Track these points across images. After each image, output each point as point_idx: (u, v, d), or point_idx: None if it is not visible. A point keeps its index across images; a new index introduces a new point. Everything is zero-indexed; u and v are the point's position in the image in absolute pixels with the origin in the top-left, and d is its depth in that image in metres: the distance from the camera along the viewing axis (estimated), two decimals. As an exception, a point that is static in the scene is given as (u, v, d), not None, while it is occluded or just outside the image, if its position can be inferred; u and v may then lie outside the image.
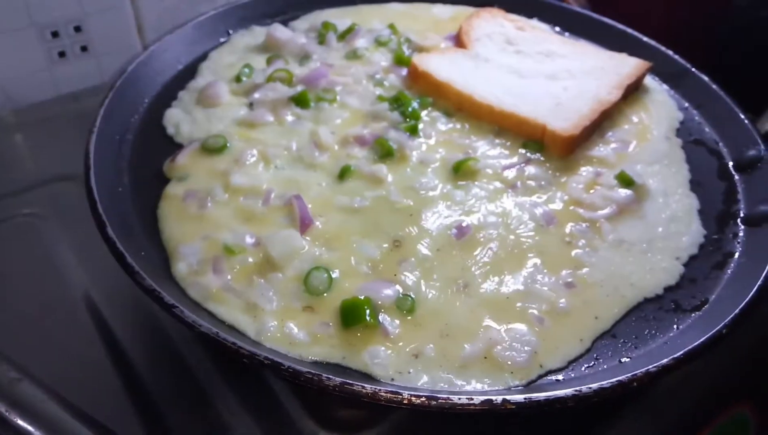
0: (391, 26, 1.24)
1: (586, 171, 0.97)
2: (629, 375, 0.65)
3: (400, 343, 0.72)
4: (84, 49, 1.29)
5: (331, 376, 0.63)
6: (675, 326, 0.77)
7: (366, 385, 0.63)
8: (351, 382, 0.63)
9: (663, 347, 0.74)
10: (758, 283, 0.77)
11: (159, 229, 0.85)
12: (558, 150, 0.99)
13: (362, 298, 0.74)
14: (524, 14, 1.32)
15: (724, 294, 0.80)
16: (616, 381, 0.65)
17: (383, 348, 0.71)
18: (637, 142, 1.04)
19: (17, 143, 1.22)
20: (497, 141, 1.01)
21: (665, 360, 0.67)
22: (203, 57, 1.16)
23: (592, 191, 0.93)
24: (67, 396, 0.68)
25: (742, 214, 0.92)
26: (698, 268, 0.85)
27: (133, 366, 0.84)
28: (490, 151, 0.99)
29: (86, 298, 0.92)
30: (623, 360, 0.73)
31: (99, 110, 0.94)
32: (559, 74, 1.13)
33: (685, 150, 1.03)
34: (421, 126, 1.01)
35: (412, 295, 0.76)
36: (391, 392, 0.63)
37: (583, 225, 0.88)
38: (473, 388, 0.69)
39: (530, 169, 0.96)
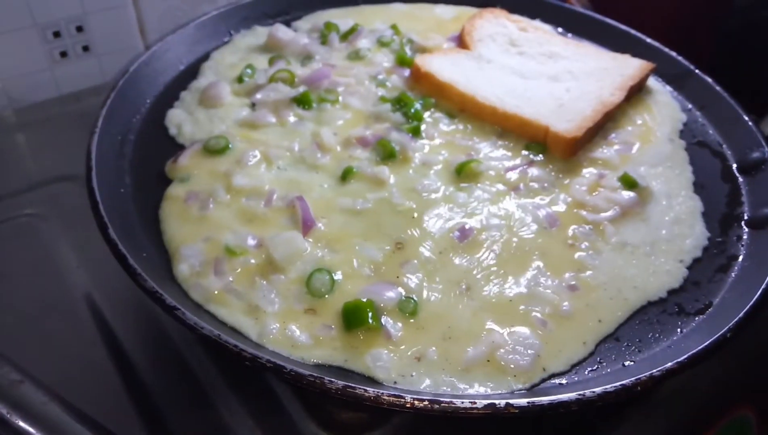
0: (394, 27, 1.24)
1: (589, 173, 0.97)
2: (633, 379, 0.65)
3: (403, 346, 0.72)
4: (86, 49, 1.29)
5: (333, 380, 0.63)
6: (679, 330, 0.77)
7: (369, 389, 0.63)
8: (354, 385, 0.63)
9: (667, 351, 0.74)
10: (762, 286, 0.77)
11: (161, 230, 0.85)
12: (561, 152, 0.98)
13: (365, 300, 0.74)
14: (527, 15, 1.32)
15: (728, 297, 0.80)
16: (620, 385, 0.65)
17: (386, 351, 0.71)
18: (641, 143, 1.04)
19: (19, 143, 1.22)
20: (500, 142, 1.01)
21: (669, 364, 0.67)
22: (205, 57, 1.16)
23: (595, 193, 0.93)
24: (68, 397, 0.68)
25: (746, 217, 0.92)
26: (702, 271, 0.85)
27: (134, 367, 0.84)
28: (492, 153, 0.99)
29: (87, 299, 0.92)
30: (627, 363, 0.73)
31: (101, 110, 0.94)
32: (562, 75, 1.12)
33: (689, 152, 1.03)
34: (423, 127, 1.01)
35: (415, 298, 0.76)
36: (394, 396, 0.63)
37: (586, 227, 0.88)
38: (476, 392, 0.69)
39: (533, 171, 0.95)
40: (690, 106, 1.13)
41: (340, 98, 1.05)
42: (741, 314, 0.73)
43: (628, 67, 1.14)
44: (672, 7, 1.46)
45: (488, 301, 0.77)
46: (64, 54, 1.27)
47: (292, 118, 1.02)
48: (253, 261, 0.80)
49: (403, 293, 0.77)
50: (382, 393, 0.63)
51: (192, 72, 1.13)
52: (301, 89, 1.05)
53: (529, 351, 0.72)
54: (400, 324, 0.74)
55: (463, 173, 0.93)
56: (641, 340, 0.76)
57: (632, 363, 0.73)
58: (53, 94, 1.29)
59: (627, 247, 0.86)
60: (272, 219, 0.85)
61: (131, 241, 0.78)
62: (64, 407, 0.67)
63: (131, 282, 0.72)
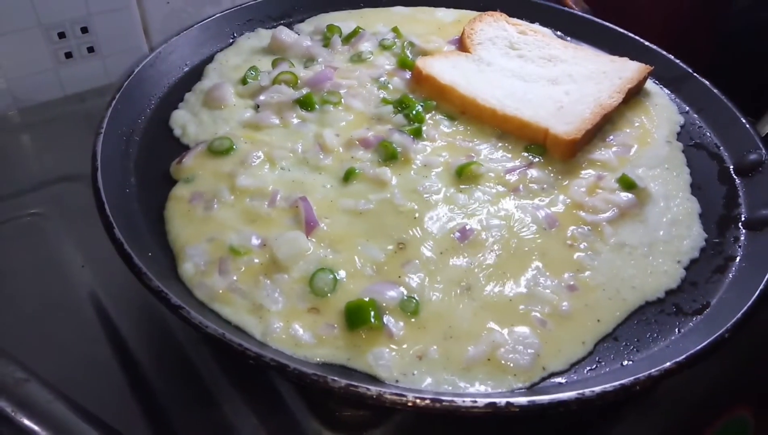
0: (395, 29, 1.25)
1: (587, 174, 0.98)
2: (632, 379, 0.66)
3: (405, 345, 0.73)
4: (90, 50, 1.30)
5: (336, 378, 0.64)
6: (677, 329, 0.78)
7: (371, 387, 0.64)
8: (356, 384, 0.63)
9: (665, 351, 0.74)
10: (760, 287, 0.78)
11: (165, 229, 0.85)
12: (560, 153, 0.99)
13: (367, 299, 0.75)
14: (526, 18, 1.33)
15: (726, 298, 0.81)
16: (619, 385, 0.65)
17: (387, 350, 0.72)
18: (639, 145, 1.05)
19: (23, 143, 1.23)
20: (500, 144, 1.02)
21: (668, 364, 0.68)
22: (209, 59, 1.17)
23: (593, 194, 0.94)
24: (73, 396, 0.69)
25: (743, 218, 0.93)
26: (699, 271, 0.86)
27: (138, 366, 0.84)
28: (492, 155, 1.00)
29: (92, 298, 0.92)
30: (625, 363, 0.74)
31: (106, 111, 0.95)
32: (561, 78, 1.13)
33: (686, 154, 1.04)
34: (424, 129, 1.02)
35: (416, 297, 0.77)
36: (396, 395, 0.63)
37: (585, 228, 0.89)
38: (477, 390, 0.70)
39: (532, 173, 0.96)
40: (687, 108, 1.14)
41: (343, 100, 1.06)
42: (738, 315, 0.74)
43: (626, 69, 1.15)
44: (670, 10, 1.47)
45: (488, 300, 0.78)
46: (69, 55, 1.28)
47: (295, 120, 1.02)
48: (257, 260, 0.80)
49: (405, 293, 0.78)
50: (385, 392, 0.63)
51: (196, 73, 1.14)
52: (304, 91, 1.06)
53: (528, 350, 0.73)
54: (401, 323, 0.75)
55: (464, 175, 0.94)
56: (639, 340, 0.77)
57: (631, 363, 0.74)
58: (58, 94, 1.30)
59: (625, 247, 0.87)
60: (276, 219, 0.86)
61: (136, 240, 0.79)
62: (70, 406, 0.68)
63: (136, 281, 0.72)
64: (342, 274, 0.79)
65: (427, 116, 1.05)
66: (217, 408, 0.80)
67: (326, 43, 1.21)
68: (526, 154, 1.00)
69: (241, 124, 1.02)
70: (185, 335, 0.87)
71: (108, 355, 0.86)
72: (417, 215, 0.88)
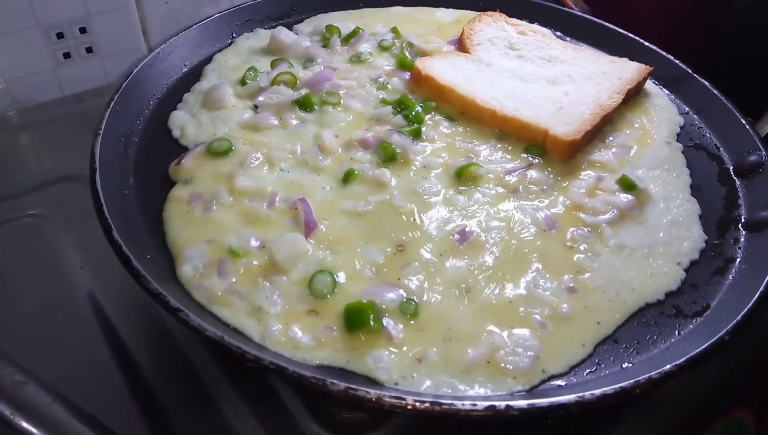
0: (394, 30, 1.25)
1: (587, 175, 0.98)
2: (632, 382, 0.66)
3: (404, 348, 0.73)
4: (89, 50, 1.29)
5: (335, 381, 0.64)
6: (677, 332, 0.78)
7: (370, 391, 0.63)
8: (355, 387, 0.63)
9: (665, 353, 0.74)
10: (760, 289, 0.78)
11: (164, 231, 0.85)
12: (560, 154, 0.99)
13: (366, 302, 0.74)
14: (526, 18, 1.32)
15: (726, 300, 0.81)
16: (619, 388, 0.65)
17: (387, 352, 0.72)
18: (638, 146, 1.04)
19: (22, 144, 1.22)
20: (499, 145, 1.01)
21: (668, 367, 0.68)
22: (208, 59, 1.17)
23: (593, 196, 0.94)
24: (71, 398, 0.69)
25: (743, 220, 0.92)
26: (699, 273, 0.85)
27: (137, 367, 0.84)
28: (492, 156, 0.99)
29: (91, 299, 0.92)
30: (625, 365, 0.74)
31: (105, 112, 0.95)
32: (561, 79, 1.13)
33: (686, 155, 1.04)
34: (423, 130, 1.01)
35: (416, 300, 0.77)
36: (396, 398, 0.63)
37: (585, 230, 0.89)
38: (476, 393, 0.69)
39: (532, 174, 0.96)
40: (687, 109, 1.13)
41: (342, 101, 1.06)
42: (739, 317, 0.74)
43: (626, 70, 1.15)
44: (669, 10, 1.46)
45: (488, 302, 0.78)
46: (67, 55, 1.28)
47: (294, 121, 1.02)
48: (255, 262, 0.80)
49: (404, 295, 0.77)
50: (384, 395, 0.63)
51: (195, 74, 1.13)
52: (303, 92, 1.06)
53: (528, 353, 0.73)
54: (401, 325, 0.75)
55: (463, 176, 0.94)
56: (639, 342, 0.77)
57: (631, 365, 0.74)
58: (56, 94, 1.30)
59: (625, 249, 0.87)
60: (275, 221, 0.86)
61: (135, 242, 0.79)
62: (68, 408, 0.68)
63: (135, 283, 0.72)
64: (341, 276, 0.79)
65: (427, 117, 1.05)
66: (215, 409, 0.80)
67: (325, 43, 1.21)
68: (525, 155, 1.00)
69: (240, 125, 1.02)
70: (184, 336, 0.86)
71: (106, 356, 0.85)
72: (416, 217, 0.87)
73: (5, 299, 0.92)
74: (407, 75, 1.14)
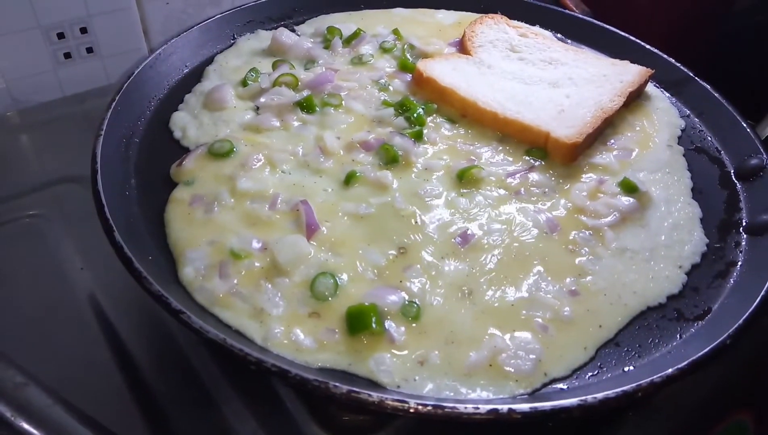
0: (395, 31, 1.25)
1: (588, 178, 0.98)
2: (634, 385, 0.66)
3: (406, 350, 0.73)
4: (90, 50, 1.29)
5: (338, 384, 0.63)
6: (678, 335, 0.78)
7: (372, 394, 0.63)
8: (358, 390, 0.63)
9: (667, 357, 0.74)
10: (761, 292, 0.78)
11: (165, 233, 0.85)
12: (561, 157, 0.99)
13: (368, 304, 0.74)
14: (527, 21, 1.32)
15: (727, 303, 0.81)
16: (621, 391, 0.65)
17: (389, 355, 0.72)
18: (639, 149, 1.04)
19: (22, 144, 1.22)
20: (501, 148, 1.01)
21: (670, 370, 0.68)
22: (209, 60, 1.17)
23: (595, 199, 0.94)
24: (72, 399, 0.69)
25: (744, 223, 0.93)
26: (701, 276, 0.85)
27: (138, 369, 0.84)
28: (493, 158, 0.99)
29: (91, 301, 0.92)
30: (627, 369, 0.74)
31: (106, 113, 0.95)
32: (562, 81, 1.13)
33: (687, 158, 1.04)
34: (425, 132, 1.01)
35: (418, 302, 0.77)
36: (398, 401, 0.63)
37: (587, 232, 0.89)
38: (478, 396, 0.69)
39: (533, 176, 0.96)
40: (688, 112, 1.13)
41: (343, 102, 1.06)
42: (740, 321, 0.74)
43: (627, 73, 1.15)
44: (670, 13, 1.47)
45: (490, 305, 0.78)
46: (68, 55, 1.27)
47: (295, 122, 1.02)
48: (257, 264, 0.80)
49: (406, 298, 0.77)
50: (386, 398, 0.63)
51: (196, 75, 1.13)
52: (305, 93, 1.06)
53: (530, 356, 0.73)
54: (403, 328, 0.75)
55: (465, 178, 0.94)
56: (641, 346, 0.77)
57: (632, 368, 0.74)
58: (57, 95, 1.29)
59: (627, 252, 0.87)
60: (277, 223, 0.85)
61: (136, 244, 0.79)
62: (69, 410, 0.68)
63: (136, 284, 0.72)
64: (343, 278, 0.79)
65: (428, 119, 1.05)
66: (216, 410, 0.80)
67: (327, 45, 1.21)
68: (527, 158, 1.00)
69: (241, 126, 1.01)
70: (185, 338, 0.86)
71: (107, 358, 0.85)
72: (418, 219, 0.87)
73: (5, 300, 0.92)
74: (408, 77, 1.14)
